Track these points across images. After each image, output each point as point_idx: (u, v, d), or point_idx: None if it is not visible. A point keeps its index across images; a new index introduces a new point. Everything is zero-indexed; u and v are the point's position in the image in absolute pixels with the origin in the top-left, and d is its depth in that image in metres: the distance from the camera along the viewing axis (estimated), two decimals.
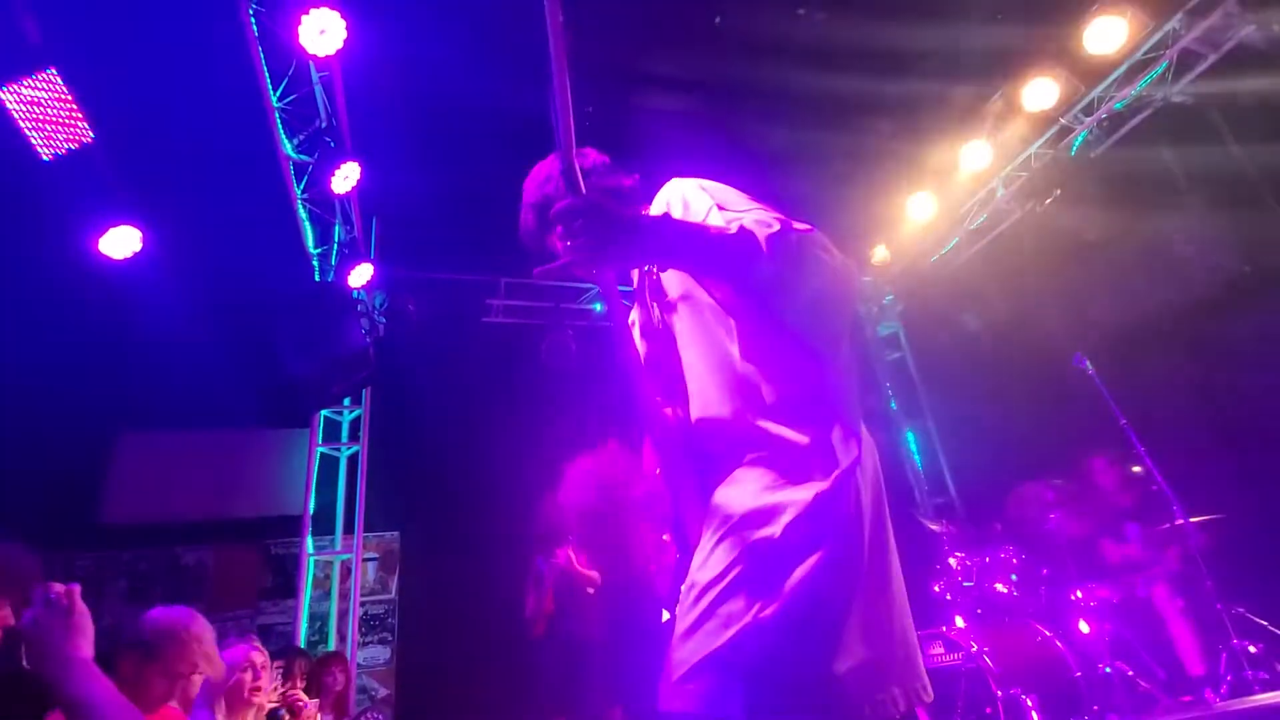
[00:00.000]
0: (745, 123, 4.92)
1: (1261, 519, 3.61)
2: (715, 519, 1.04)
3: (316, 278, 5.50)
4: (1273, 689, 2.72)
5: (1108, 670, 3.35)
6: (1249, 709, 2.49)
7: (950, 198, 5.83)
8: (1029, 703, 3.23)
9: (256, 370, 5.21)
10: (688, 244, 1.00)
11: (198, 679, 1.94)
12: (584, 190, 1.01)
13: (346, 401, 5.72)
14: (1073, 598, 3.72)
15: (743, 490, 1.03)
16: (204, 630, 2.07)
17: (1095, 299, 5.08)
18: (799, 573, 0.93)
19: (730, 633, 0.91)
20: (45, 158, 3.65)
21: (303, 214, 5.18)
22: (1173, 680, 3.37)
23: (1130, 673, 3.33)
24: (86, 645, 1.17)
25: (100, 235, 4.11)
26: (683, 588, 1.03)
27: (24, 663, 1.14)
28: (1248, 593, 3.27)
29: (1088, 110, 4.98)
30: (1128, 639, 3.51)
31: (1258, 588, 3.32)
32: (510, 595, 4.96)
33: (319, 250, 5.47)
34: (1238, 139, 4.21)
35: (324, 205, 5.18)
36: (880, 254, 6.31)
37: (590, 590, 4.51)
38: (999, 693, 3.30)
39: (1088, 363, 3.58)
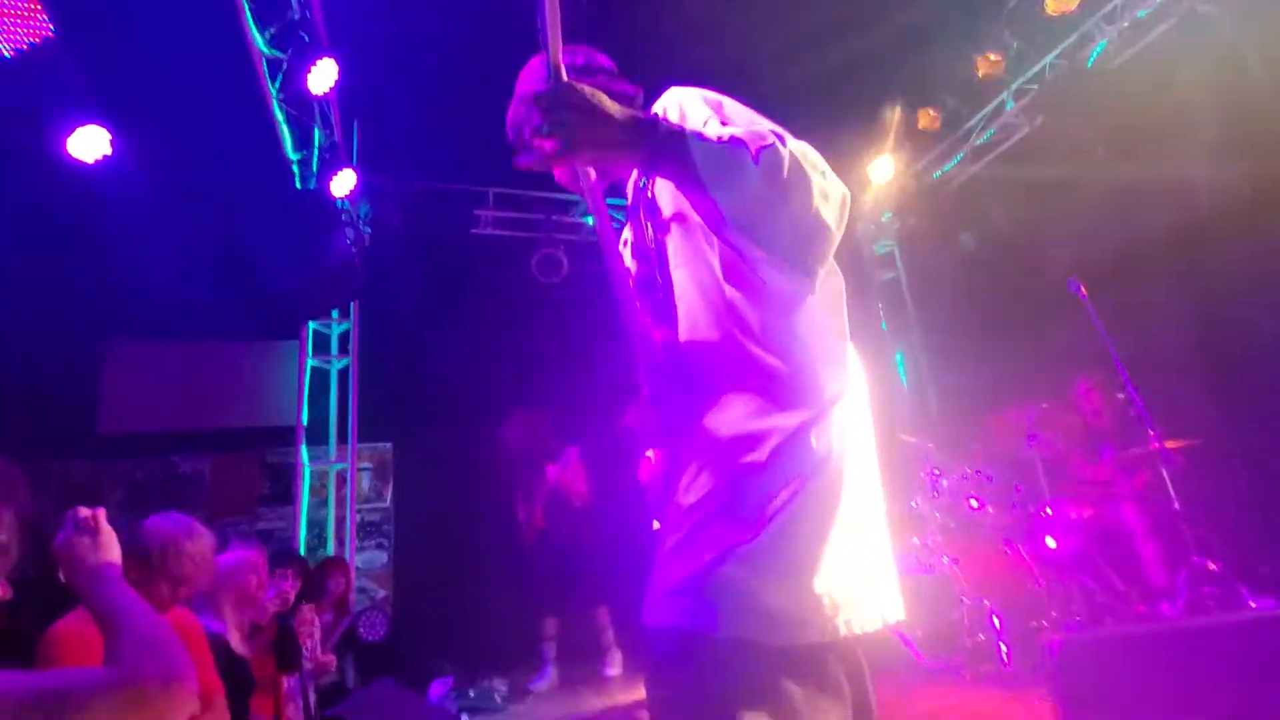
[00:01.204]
0: (748, 25, 4.63)
1: (1237, 445, 3.71)
2: (702, 442, 1.04)
3: (297, 184, 5.32)
4: (1227, 606, 2.88)
5: (1070, 582, 3.54)
6: (1196, 626, 2.65)
7: (956, 110, 5.60)
8: (993, 610, 3.43)
9: (242, 281, 5.13)
10: (673, 149, 0.93)
11: (197, 583, 2.01)
12: (566, 77, 0.94)
13: (335, 314, 5.67)
14: (1043, 514, 3.88)
15: (729, 415, 1.03)
16: (202, 536, 2.12)
17: (1097, 221, 4.98)
18: (781, 498, 0.95)
19: (711, 555, 0.93)
20: (6, 54, 3.48)
21: (279, 115, 4.93)
22: (1134, 594, 3.56)
23: (1091, 585, 3.51)
24: (114, 561, 1.26)
25: (68, 136, 3.93)
26: (669, 507, 1.05)
27: (60, 578, 1.23)
28: (1214, 514, 3.41)
29: (1110, 19, 4.70)
30: (1094, 554, 3.68)
31: (1225, 510, 3.45)
32: (500, 502, 5.14)
33: (298, 155, 5.25)
34: (1261, 57, 3.99)
35: (302, 107, 4.93)
36: (881, 167, 6.10)
37: (578, 503, 4.67)
38: (966, 600, 3.50)
39: (1082, 287, 3.55)
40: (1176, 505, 3.31)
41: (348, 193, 4.91)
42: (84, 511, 1.27)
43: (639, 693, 4.00)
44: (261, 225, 4.80)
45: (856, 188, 6.54)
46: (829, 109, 5.50)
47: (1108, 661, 2.37)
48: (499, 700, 4.21)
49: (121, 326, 5.66)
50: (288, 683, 3.10)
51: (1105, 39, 4.77)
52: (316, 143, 5.18)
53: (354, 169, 4.91)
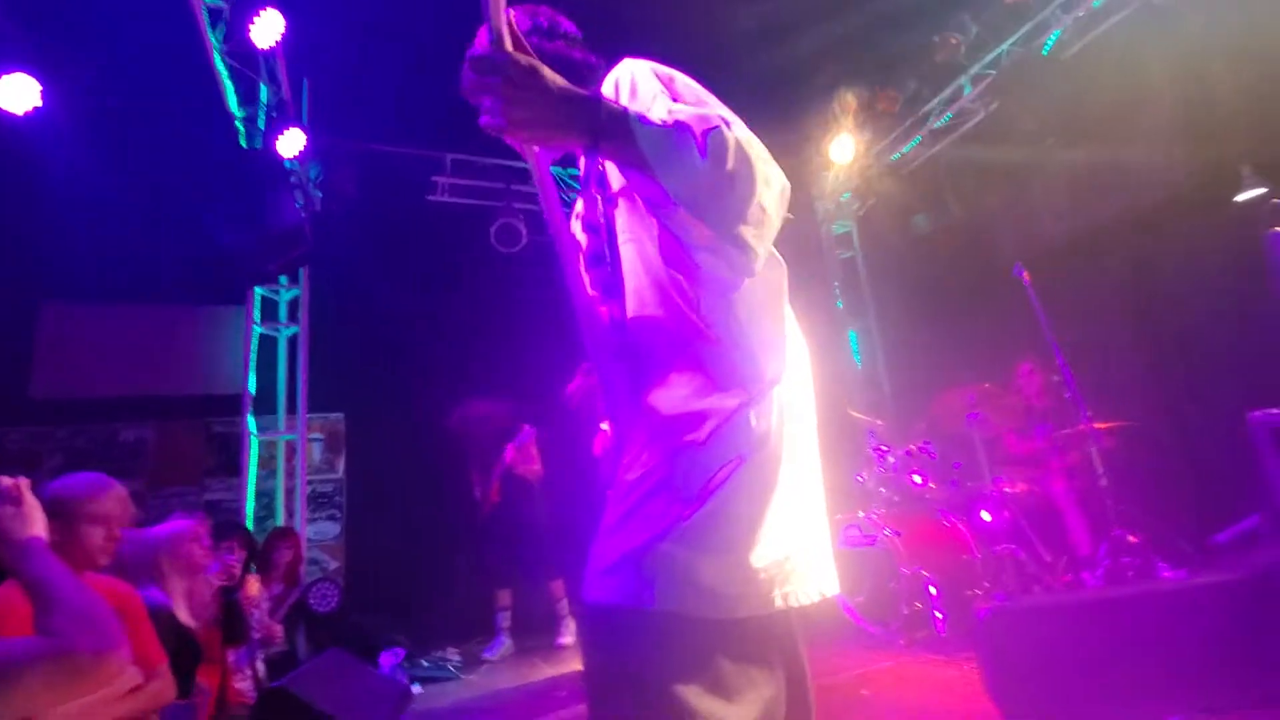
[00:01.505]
0: (702, 5, 4.57)
1: (1161, 427, 3.93)
2: (645, 420, 1.05)
3: (243, 143, 5.08)
4: (1143, 576, 3.08)
5: (1002, 553, 3.72)
6: (1113, 595, 2.83)
7: (916, 93, 5.66)
8: (929, 579, 3.60)
9: (185, 243, 4.91)
10: (616, 130, 0.91)
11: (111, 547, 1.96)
12: (509, 46, 0.91)
13: (283, 280, 5.49)
14: (980, 490, 4.06)
15: (672, 393, 1.04)
16: (111, 485, 2.05)
17: (1046, 208, 5.13)
18: (719, 476, 0.96)
19: (651, 531, 0.94)
20: None
21: (221, 68, 4.69)
22: (1060, 564, 3.77)
23: (1021, 556, 3.70)
24: (39, 531, 1.26)
25: None
26: (614, 483, 1.06)
27: None
28: (1136, 491, 3.61)
29: (1066, 8, 4.78)
30: (1025, 527, 3.87)
31: (1147, 487, 3.66)
32: (455, 473, 5.11)
33: (243, 113, 5.01)
34: (1213, 49, 4.12)
35: (246, 60, 4.69)
36: (842, 147, 6.14)
37: (533, 480, 4.70)
38: (904, 570, 3.65)
39: (1025, 273, 3.67)
40: (1103, 482, 3.50)
41: (296, 153, 4.72)
42: (6, 481, 1.26)
43: None
44: (204, 184, 4.59)
45: (817, 167, 6.59)
46: (792, 88, 5.51)
47: (1031, 628, 2.51)
48: (452, 669, 4.25)
49: (56, 289, 5.38)
50: (234, 655, 3.08)
51: (1061, 27, 4.86)
52: (263, 99, 4.95)
53: (303, 129, 4.71)
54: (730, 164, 0.92)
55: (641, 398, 1.07)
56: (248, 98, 4.98)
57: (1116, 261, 4.56)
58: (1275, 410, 1.94)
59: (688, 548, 0.93)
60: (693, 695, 0.89)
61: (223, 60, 4.66)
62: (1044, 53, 5.02)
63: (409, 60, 4.78)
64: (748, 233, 0.94)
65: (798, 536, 1.02)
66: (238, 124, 4.98)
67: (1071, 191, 4.95)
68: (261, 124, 4.96)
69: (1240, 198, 3.84)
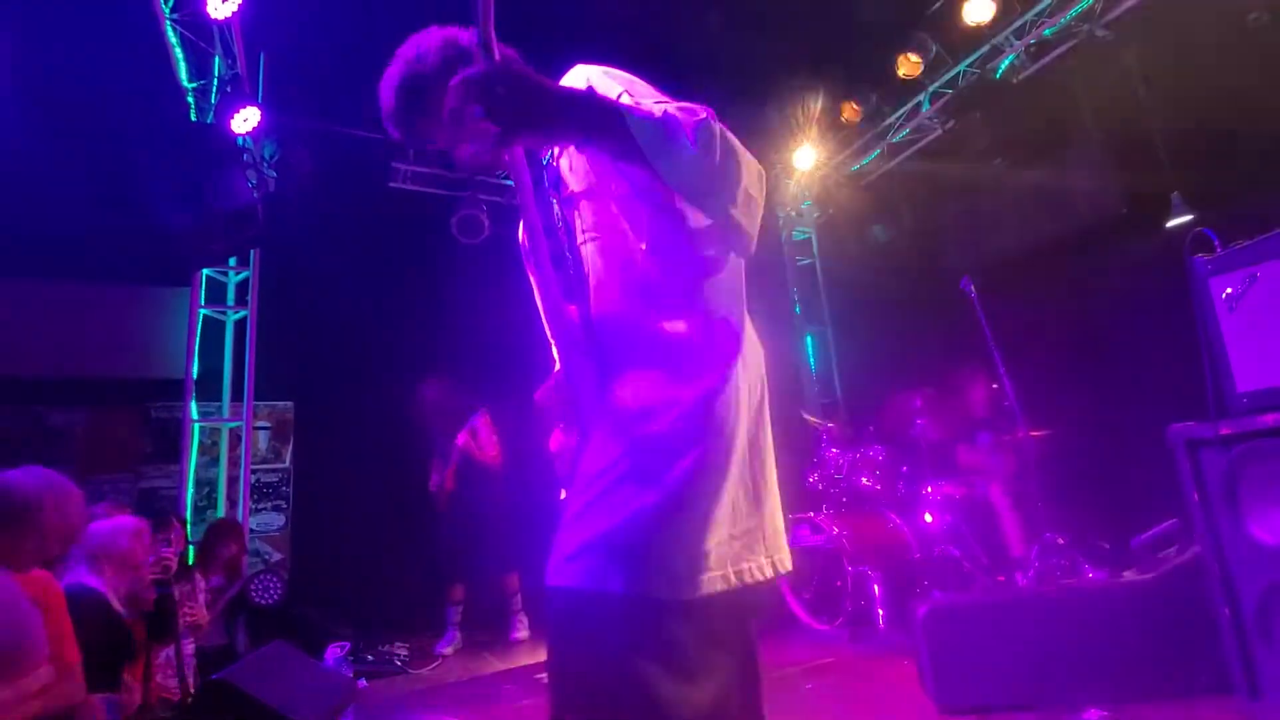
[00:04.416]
0: (669, 17, 4.60)
1: (1087, 435, 4.16)
2: (609, 413, 1.08)
3: (193, 117, 4.88)
4: (1069, 575, 3.26)
5: (941, 554, 3.88)
6: (1041, 594, 2.98)
7: (878, 106, 5.83)
8: (873, 578, 3.72)
9: (128, 220, 4.68)
10: (612, 123, 0.94)
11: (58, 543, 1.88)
12: (496, 54, 0.92)
13: (233, 262, 5.29)
14: (924, 492, 4.21)
15: (635, 386, 1.07)
16: (70, 494, 1.98)
17: (994, 224, 5.36)
18: (679, 465, 1.00)
19: (614, 519, 0.98)
20: None
21: (173, 38, 4.49)
22: (995, 564, 3.95)
23: (959, 556, 3.87)
24: None
25: None
26: (577, 475, 1.09)
27: None
28: (1064, 495, 3.81)
29: (1019, 34, 5.00)
30: (963, 529, 4.04)
31: (1074, 491, 3.87)
32: (406, 464, 5.02)
33: (195, 85, 4.82)
34: (1146, 83, 4.38)
35: (200, 32, 4.51)
36: (804, 156, 6.28)
37: (489, 467, 4.63)
38: (850, 569, 3.77)
39: (972, 286, 3.83)
40: (1035, 486, 3.69)
41: (250, 130, 4.55)
42: None
43: (543, 655, 4.08)
44: (150, 158, 4.40)
45: (779, 174, 6.71)
46: (757, 95, 5.60)
47: (965, 625, 2.64)
48: (399, 664, 4.19)
49: None
50: (163, 653, 2.96)
51: (1014, 53, 5.08)
52: (216, 72, 4.77)
53: (258, 106, 4.55)
54: (719, 153, 0.96)
55: (607, 392, 1.10)
56: (200, 70, 4.79)
57: (1056, 278, 4.80)
58: (1192, 423, 2.09)
59: (652, 532, 0.97)
60: (655, 676, 0.92)
61: (174, 29, 4.46)
62: (997, 76, 5.23)
63: (374, 39, 4.66)
64: (739, 214, 0.99)
65: (754, 516, 1.07)
66: (188, 97, 4.79)
67: (1017, 210, 5.18)
68: (214, 98, 4.77)
69: (1170, 224, 4.09)
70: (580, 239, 1.16)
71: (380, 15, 4.71)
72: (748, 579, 1.02)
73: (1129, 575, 2.67)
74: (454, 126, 0.92)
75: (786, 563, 1.11)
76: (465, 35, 1.23)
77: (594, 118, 0.95)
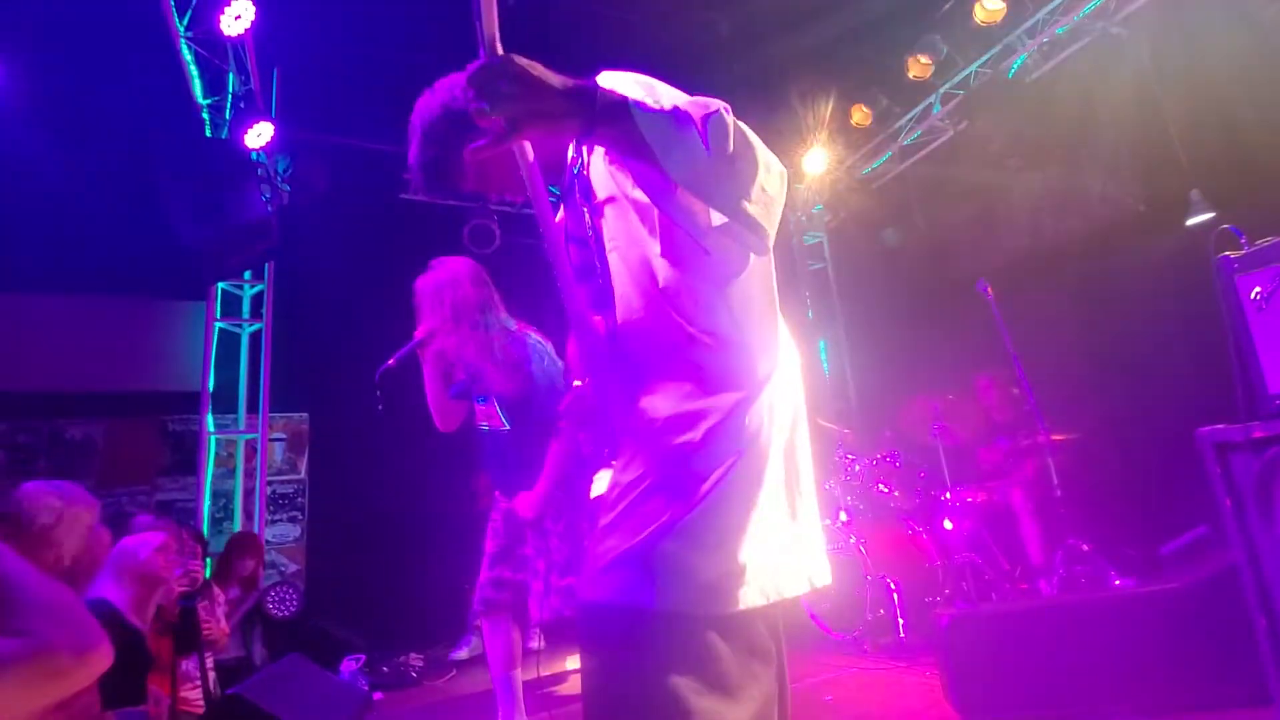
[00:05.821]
0: (678, 21, 4.60)
1: (1112, 439, 4.07)
2: (639, 424, 1.06)
3: (208, 133, 4.94)
4: (1095, 583, 3.18)
5: (962, 561, 3.81)
6: (1066, 602, 2.91)
7: (888, 109, 5.79)
8: (892, 586, 3.66)
9: (145, 235, 4.74)
10: (616, 116, 0.91)
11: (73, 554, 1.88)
12: (500, 49, 0.90)
13: (247, 275, 5.34)
14: (943, 498, 4.15)
15: (666, 397, 1.05)
16: (88, 507, 1.98)
17: (1008, 225, 5.29)
18: (713, 477, 0.98)
19: (647, 531, 0.96)
20: None
21: (188, 55, 4.55)
22: (1017, 572, 3.87)
23: (980, 563, 3.80)
24: None
25: None
26: (607, 488, 1.07)
27: None
28: (1088, 500, 3.74)
29: (1031, 33, 4.95)
30: (984, 535, 3.97)
31: (1099, 497, 3.79)
32: (421, 475, 5.01)
33: (209, 101, 4.88)
34: (1161, 80, 4.31)
35: (214, 49, 4.57)
36: (815, 160, 6.25)
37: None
38: (868, 577, 3.71)
39: (989, 289, 3.77)
40: (1058, 492, 3.61)
41: (264, 145, 4.60)
42: None
43: (560, 665, 4.05)
44: (166, 174, 4.44)
45: (790, 178, 6.68)
46: (767, 99, 5.58)
47: (989, 634, 2.58)
48: (414, 675, 4.17)
49: (1, 278, 5.14)
50: (186, 664, 2.96)
51: (1026, 52, 5.03)
52: (230, 89, 4.82)
53: (272, 121, 4.60)
54: (731, 146, 0.92)
55: (635, 404, 1.08)
56: (214, 86, 4.85)
57: (1074, 279, 4.73)
58: (1222, 426, 2.03)
59: (686, 545, 0.95)
60: (692, 693, 0.90)
61: (189, 47, 4.53)
62: (1009, 75, 5.18)
63: (385, 53, 4.71)
64: (755, 210, 0.95)
65: (789, 529, 1.05)
66: (203, 114, 4.85)
67: (1032, 211, 5.11)
68: (228, 114, 4.83)
69: (1190, 222, 4.01)
70: (607, 247, 1.14)
71: (388, 31, 4.76)
72: (786, 594, 1.00)
73: (1157, 583, 2.59)
74: (477, 179, 0.91)
75: (824, 576, 1.09)
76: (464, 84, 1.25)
77: (597, 111, 0.92)
